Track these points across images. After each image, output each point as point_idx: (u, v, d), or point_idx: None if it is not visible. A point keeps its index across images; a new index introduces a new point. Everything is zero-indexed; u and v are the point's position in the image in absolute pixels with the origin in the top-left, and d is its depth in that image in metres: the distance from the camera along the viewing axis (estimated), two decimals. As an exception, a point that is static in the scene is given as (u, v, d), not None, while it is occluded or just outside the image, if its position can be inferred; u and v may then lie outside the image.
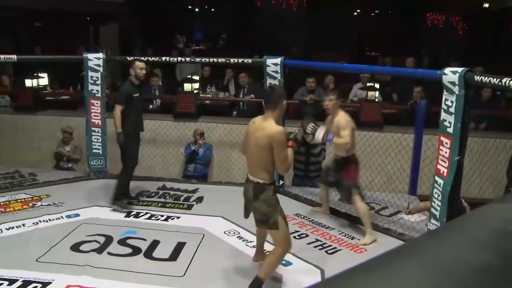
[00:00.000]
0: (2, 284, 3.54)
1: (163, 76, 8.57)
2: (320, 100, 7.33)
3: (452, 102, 3.94)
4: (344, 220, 5.07)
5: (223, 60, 6.12)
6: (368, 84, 7.51)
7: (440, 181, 4.13)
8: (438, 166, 4.15)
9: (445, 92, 4.00)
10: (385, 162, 6.47)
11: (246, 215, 3.74)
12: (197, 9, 18.33)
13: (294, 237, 4.59)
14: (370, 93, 7.02)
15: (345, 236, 4.66)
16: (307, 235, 4.67)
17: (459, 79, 3.84)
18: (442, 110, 4.05)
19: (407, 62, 7.97)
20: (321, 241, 4.54)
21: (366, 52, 15.41)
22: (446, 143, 4.03)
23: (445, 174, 4.07)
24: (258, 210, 3.51)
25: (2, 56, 5.74)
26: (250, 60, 6.05)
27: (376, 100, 7.16)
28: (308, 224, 4.94)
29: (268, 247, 3.95)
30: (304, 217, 5.13)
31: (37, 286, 3.53)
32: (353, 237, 4.62)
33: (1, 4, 12.16)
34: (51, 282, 3.59)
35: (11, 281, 3.58)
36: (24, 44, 13.84)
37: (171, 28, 15.59)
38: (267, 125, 3.38)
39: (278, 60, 5.64)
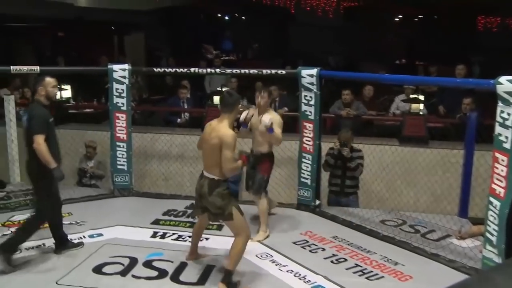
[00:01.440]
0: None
1: (192, 89, 8.68)
2: (358, 114, 7.29)
3: (508, 114, 3.84)
4: (385, 243, 4.97)
5: (255, 71, 6.14)
6: (411, 96, 7.42)
7: (496, 202, 4.00)
8: (493, 186, 4.03)
9: (500, 104, 3.91)
10: (432, 181, 6.35)
11: (194, 214, 4.26)
12: (226, 17, 18.54)
13: (332, 261, 4.54)
14: (414, 106, 6.93)
15: (387, 261, 4.55)
16: (345, 260, 4.59)
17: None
18: (497, 124, 3.94)
19: (456, 70, 7.79)
20: (361, 267, 4.45)
21: (409, 61, 15.20)
22: (503, 160, 3.91)
23: (501, 194, 3.95)
24: (213, 204, 3.97)
25: (25, 68, 5.90)
26: (284, 71, 6.05)
27: (421, 113, 7.05)
28: (347, 248, 4.86)
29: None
30: (342, 240, 5.04)
31: (57, 310, 3.56)
32: (397, 262, 4.52)
33: (23, 14, 12.59)
34: (72, 306, 3.62)
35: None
36: (47, 55, 14.27)
37: (199, 37, 15.81)
38: (221, 128, 3.93)
39: (314, 71, 5.62)
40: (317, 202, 5.87)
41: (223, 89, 7.96)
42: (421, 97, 7.24)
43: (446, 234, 5.20)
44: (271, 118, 4.83)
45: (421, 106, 7.05)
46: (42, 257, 4.52)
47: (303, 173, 5.84)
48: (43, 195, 4.51)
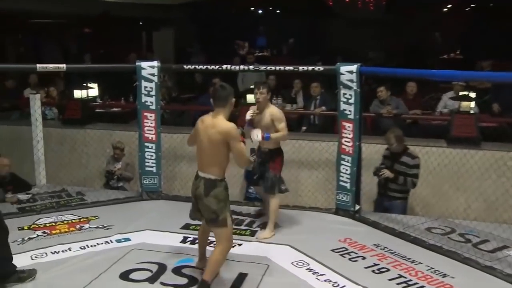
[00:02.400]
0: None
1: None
2: (398, 113, 7.21)
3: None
4: (432, 252, 4.89)
5: (291, 68, 6.13)
6: (461, 93, 7.28)
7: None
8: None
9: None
10: (484, 186, 6.21)
11: (194, 216, 4.20)
12: (260, 11, 18.57)
13: (373, 271, 4.49)
14: (464, 104, 6.79)
15: (435, 272, 4.46)
16: (388, 270, 4.52)
17: None
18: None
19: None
20: (406, 278, 4.38)
21: (458, 55, 14.86)
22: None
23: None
24: (208, 207, 3.91)
25: (51, 66, 6.05)
26: (321, 68, 6.00)
27: (471, 111, 6.90)
28: (390, 257, 4.79)
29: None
30: (384, 248, 4.98)
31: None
32: (445, 274, 4.42)
33: (49, 10, 12.90)
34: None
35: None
36: (73, 52, 14.60)
37: (231, 33, 15.87)
38: (218, 122, 3.88)
39: (354, 67, 5.57)
40: (357, 207, 5.81)
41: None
42: (472, 95, 7.08)
43: (502, 245, 5.05)
44: (266, 121, 5.04)
45: (472, 104, 6.90)
46: (68, 262, 4.61)
47: (342, 176, 5.79)
48: None
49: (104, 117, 8.78)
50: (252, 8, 18.41)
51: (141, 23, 15.55)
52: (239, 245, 5.00)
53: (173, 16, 15.33)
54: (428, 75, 5.40)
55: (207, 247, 4.50)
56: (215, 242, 4.17)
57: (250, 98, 7.78)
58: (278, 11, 18.35)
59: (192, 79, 10.67)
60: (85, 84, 8.47)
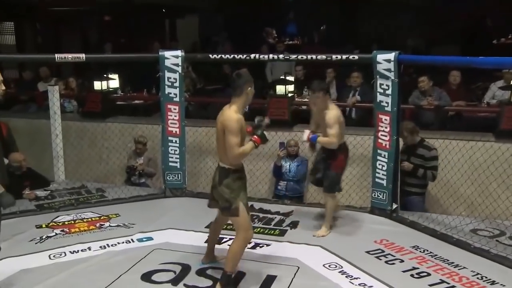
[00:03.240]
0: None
1: (252, 77, 8.68)
2: (441, 105, 7.09)
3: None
4: (478, 256, 4.79)
5: (323, 56, 6.07)
6: (512, 83, 7.12)
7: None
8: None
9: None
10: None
11: (210, 204, 4.32)
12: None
13: (412, 275, 4.42)
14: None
15: (482, 279, 4.36)
16: (429, 274, 4.45)
17: None
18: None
19: None
20: (448, 284, 4.30)
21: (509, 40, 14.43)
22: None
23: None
24: (222, 196, 4.08)
25: (70, 55, 6.10)
26: (356, 57, 5.93)
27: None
28: (430, 260, 4.72)
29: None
30: (424, 251, 4.91)
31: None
32: (494, 281, 4.31)
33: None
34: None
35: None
36: (93, 41, 14.73)
37: (259, 20, 15.81)
38: (227, 112, 4.01)
39: (391, 55, 5.48)
40: (394, 206, 5.74)
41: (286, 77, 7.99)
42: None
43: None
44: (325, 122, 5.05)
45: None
46: (88, 262, 4.67)
47: (378, 173, 5.73)
48: None
49: (126, 110, 8.84)
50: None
51: (164, 10, 15.60)
52: (268, 245, 5.00)
53: (198, 3, 15.35)
54: (472, 62, 5.26)
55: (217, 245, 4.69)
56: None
57: (280, 89, 7.76)
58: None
59: (219, 70, 10.67)
60: (105, 75, 8.54)
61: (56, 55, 6.00)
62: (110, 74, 8.66)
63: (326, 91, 5.24)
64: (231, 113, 3.97)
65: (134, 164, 7.40)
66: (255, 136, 4.06)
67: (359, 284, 4.26)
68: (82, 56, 6.06)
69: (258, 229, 5.41)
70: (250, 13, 15.65)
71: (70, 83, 9.38)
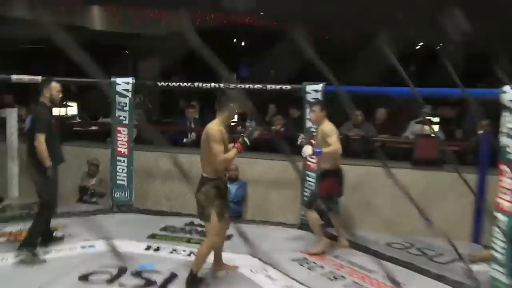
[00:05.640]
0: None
1: (202, 108, 8.76)
2: (366, 136, 7.30)
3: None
4: (390, 263, 4.91)
5: (260, 86, 6.21)
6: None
7: (503, 218, 3.95)
8: (499, 200, 3.99)
9: (504, 114, 3.91)
10: (445, 206, 6.27)
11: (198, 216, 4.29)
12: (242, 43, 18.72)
13: (329, 278, 4.47)
14: (426, 127, 6.91)
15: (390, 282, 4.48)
16: (344, 277, 4.53)
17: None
18: (503, 135, 3.93)
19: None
20: (361, 285, 4.39)
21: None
22: (508, 173, 3.89)
23: (508, 209, 3.90)
24: (199, 202, 4.16)
25: (26, 77, 6.06)
26: (289, 87, 6.10)
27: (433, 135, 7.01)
28: (347, 267, 4.82)
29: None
30: (343, 260, 5.00)
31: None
32: (400, 283, 4.43)
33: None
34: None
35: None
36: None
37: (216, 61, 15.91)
38: (210, 125, 4.13)
39: (319, 86, 5.70)
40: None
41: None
42: (435, 119, 7.22)
43: (455, 258, 5.10)
44: (319, 138, 5.06)
45: (436, 127, 7.03)
46: (30, 266, 4.59)
47: (306, 192, 5.83)
48: (43, 189, 4.92)
49: (83, 135, 8.75)
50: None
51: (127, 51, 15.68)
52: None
53: (159, 46, 15.48)
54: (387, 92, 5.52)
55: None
56: None
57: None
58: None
59: (175, 103, 10.69)
60: (64, 103, 8.49)
61: (12, 76, 5.97)
62: (69, 102, 8.61)
63: (323, 107, 5.18)
64: (213, 126, 4.10)
65: (86, 184, 7.30)
66: (238, 144, 4.08)
67: (281, 286, 4.32)
68: (39, 78, 6.03)
69: (195, 240, 5.43)
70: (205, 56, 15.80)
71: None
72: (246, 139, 4.08)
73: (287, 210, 6.59)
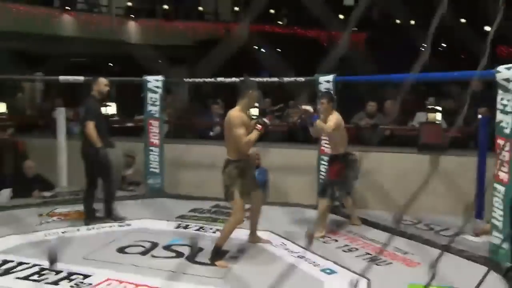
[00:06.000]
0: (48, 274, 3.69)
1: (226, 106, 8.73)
2: (377, 124, 7.19)
3: (508, 100, 3.72)
4: (398, 237, 4.81)
5: (276, 79, 6.16)
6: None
7: (501, 188, 3.84)
8: (498, 173, 3.88)
9: (499, 91, 3.80)
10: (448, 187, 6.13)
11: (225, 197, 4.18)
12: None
13: (344, 250, 4.41)
14: (431, 115, 6.77)
15: (398, 251, 4.38)
16: (356, 249, 4.46)
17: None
18: (498, 111, 3.83)
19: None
20: (371, 255, 4.31)
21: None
22: (505, 146, 3.78)
23: (505, 180, 3.79)
24: (223, 182, 4.10)
25: (71, 78, 6.17)
26: (303, 79, 6.03)
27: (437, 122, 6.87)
28: (360, 240, 4.74)
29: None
30: (355, 234, 4.93)
31: (78, 277, 3.64)
32: (407, 252, 4.35)
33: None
34: (91, 276, 3.71)
35: (57, 272, 3.77)
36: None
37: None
38: (230, 112, 4.07)
39: (330, 77, 5.64)
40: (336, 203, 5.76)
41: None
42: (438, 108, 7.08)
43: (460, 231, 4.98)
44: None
45: (439, 116, 6.88)
46: (75, 239, 4.65)
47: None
48: (94, 170, 5.18)
49: (120, 132, 8.82)
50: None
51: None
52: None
53: (187, 55, 15.57)
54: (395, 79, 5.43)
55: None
56: None
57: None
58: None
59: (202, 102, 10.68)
60: (105, 104, 8.58)
61: (60, 77, 6.09)
62: (109, 102, 8.70)
63: (330, 99, 4.98)
64: (234, 112, 4.04)
65: (124, 174, 7.36)
66: (257, 125, 3.98)
67: (298, 256, 4.26)
68: (81, 78, 6.16)
69: (221, 220, 5.41)
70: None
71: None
72: (265, 119, 4.01)
73: (304, 193, 6.53)
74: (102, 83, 5.26)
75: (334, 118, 4.84)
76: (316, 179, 6.04)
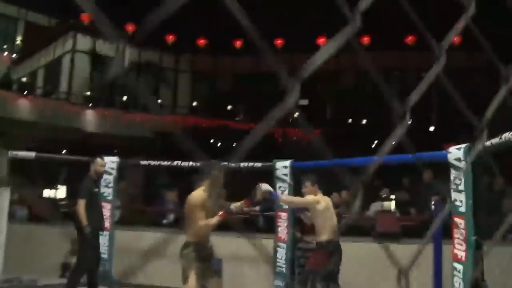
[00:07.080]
0: None
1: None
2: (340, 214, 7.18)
3: (460, 180, 3.83)
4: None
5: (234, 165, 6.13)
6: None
7: (459, 267, 3.82)
8: (455, 251, 3.88)
9: (452, 171, 3.92)
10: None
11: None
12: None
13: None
14: (386, 204, 6.88)
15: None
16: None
17: (464, 154, 3.79)
18: (452, 190, 3.92)
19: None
20: None
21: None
22: (460, 224, 3.82)
23: (463, 258, 3.79)
24: (181, 265, 3.93)
25: (21, 153, 5.98)
26: (259, 164, 6.04)
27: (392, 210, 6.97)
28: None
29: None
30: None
31: None
32: None
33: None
34: None
35: None
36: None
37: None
38: (193, 193, 3.95)
39: (287, 162, 5.69)
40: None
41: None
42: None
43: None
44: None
45: (392, 205, 7.01)
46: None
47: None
48: (82, 247, 5.23)
49: (70, 216, 8.44)
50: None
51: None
52: None
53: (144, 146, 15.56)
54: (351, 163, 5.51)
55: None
56: None
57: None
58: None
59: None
60: (54, 186, 8.30)
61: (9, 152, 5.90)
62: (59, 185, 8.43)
63: (314, 182, 4.80)
64: (195, 192, 3.94)
65: (68, 262, 6.95)
66: (223, 212, 3.90)
67: None
68: (32, 154, 5.98)
69: None
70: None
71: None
72: (232, 206, 4.01)
73: (260, 285, 6.29)
74: (98, 164, 5.40)
75: (310, 197, 4.70)
76: (272, 269, 5.83)
